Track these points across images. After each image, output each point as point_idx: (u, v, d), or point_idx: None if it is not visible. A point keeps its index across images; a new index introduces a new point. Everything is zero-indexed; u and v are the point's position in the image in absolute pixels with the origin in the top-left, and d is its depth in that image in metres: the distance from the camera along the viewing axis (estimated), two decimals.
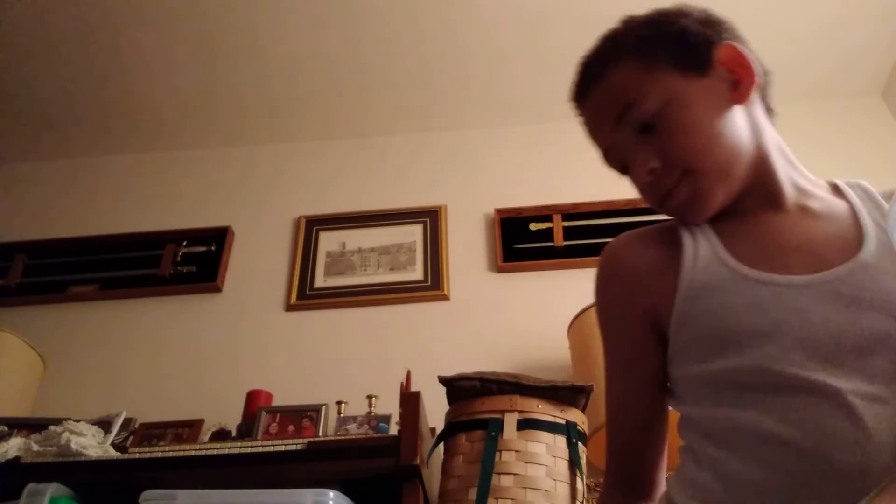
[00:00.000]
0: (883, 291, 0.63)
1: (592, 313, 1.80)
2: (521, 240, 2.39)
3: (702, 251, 0.73)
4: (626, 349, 0.79)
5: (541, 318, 2.17)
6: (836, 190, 0.79)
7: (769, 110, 0.82)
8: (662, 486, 0.83)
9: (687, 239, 0.75)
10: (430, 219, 2.46)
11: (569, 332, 1.94)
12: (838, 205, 0.75)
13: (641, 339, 0.77)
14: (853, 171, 2.64)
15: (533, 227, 2.42)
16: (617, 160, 0.80)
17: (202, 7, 2.35)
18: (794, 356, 0.63)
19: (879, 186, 2.36)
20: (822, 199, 0.76)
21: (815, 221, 0.73)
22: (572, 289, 2.15)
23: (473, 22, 2.42)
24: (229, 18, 2.39)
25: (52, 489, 1.38)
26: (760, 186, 0.76)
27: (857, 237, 0.69)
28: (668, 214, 0.80)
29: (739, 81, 0.77)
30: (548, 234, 2.39)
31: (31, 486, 1.37)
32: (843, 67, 2.60)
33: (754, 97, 0.78)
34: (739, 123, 0.75)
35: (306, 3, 2.36)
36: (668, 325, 0.73)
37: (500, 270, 2.33)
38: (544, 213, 2.44)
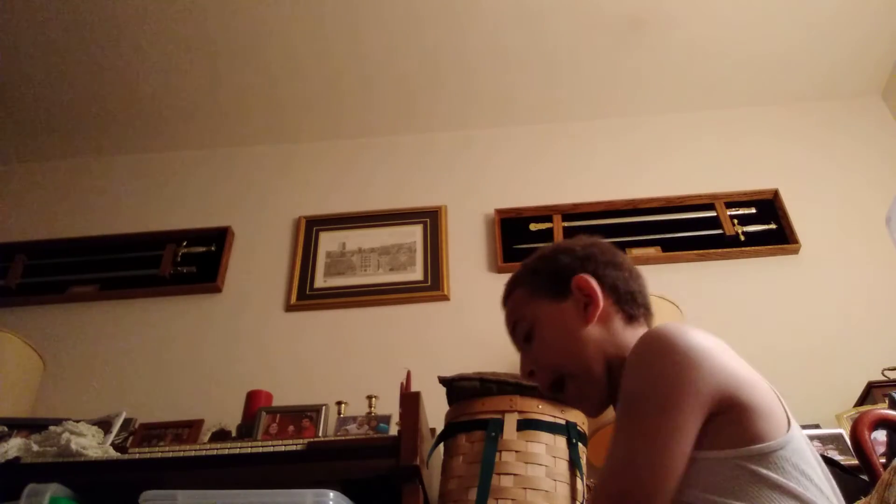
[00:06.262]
0: None
1: None
2: (521, 240, 2.39)
3: None
4: (695, 425, 0.80)
5: None
6: None
7: (633, 317, 0.97)
8: None
9: None
10: (430, 219, 2.46)
11: None
12: None
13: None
14: (853, 173, 2.65)
15: (533, 227, 2.42)
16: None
17: (203, 8, 2.35)
18: None
19: (878, 188, 2.35)
20: None
21: None
22: None
23: (475, 23, 2.42)
24: (230, 20, 2.39)
25: (52, 489, 1.37)
26: (614, 391, 0.92)
27: None
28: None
29: (588, 304, 0.95)
30: (548, 235, 2.39)
31: (31, 487, 1.37)
32: (842, 68, 2.60)
33: (611, 313, 0.95)
34: (594, 335, 0.94)
35: (309, 4, 2.36)
36: None
37: (501, 271, 2.33)
38: (544, 214, 2.44)
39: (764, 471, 0.76)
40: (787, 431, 0.79)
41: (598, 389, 0.93)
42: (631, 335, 0.93)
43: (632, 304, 0.98)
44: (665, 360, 0.79)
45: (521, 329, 1.00)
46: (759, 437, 0.78)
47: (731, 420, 0.78)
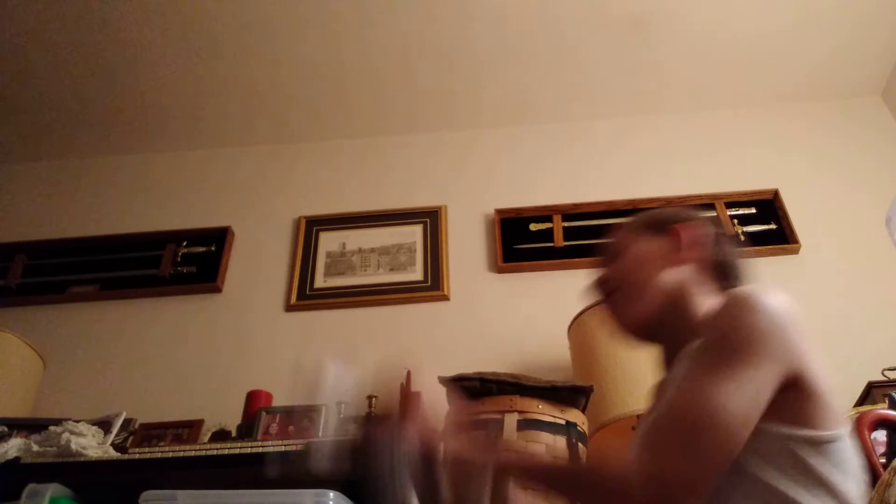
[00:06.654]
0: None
1: (593, 314, 1.79)
2: (521, 240, 2.39)
3: None
4: (772, 386, 0.80)
5: (541, 318, 2.17)
6: None
7: (715, 287, 1.01)
8: None
9: None
10: (430, 219, 2.46)
11: (569, 332, 1.94)
12: None
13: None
14: (853, 172, 2.64)
15: (533, 227, 2.42)
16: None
17: (206, 9, 2.35)
18: None
19: (878, 188, 2.34)
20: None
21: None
22: (572, 289, 2.14)
23: (478, 24, 2.42)
24: (233, 21, 2.39)
25: (52, 489, 1.38)
26: (662, 338, 1.01)
27: None
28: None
29: (678, 249, 1.01)
30: (548, 235, 2.39)
31: (31, 487, 1.37)
32: (842, 68, 2.60)
33: (696, 271, 1.01)
34: (669, 276, 1.00)
35: (316, 5, 2.36)
36: None
37: (500, 271, 2.33)
38: (544, 214, 2.44)
39: (812, 459, 0.77)
40: (840, 428, 0.80)
41: (640, 312, 0.99)
42: (703, 299, 0.98)
43: (719, 274, 1.02)
44: (759, 317, 0.80)
45: (612, 250, 1.07)
46: (815, 423, 0.79)
47: (794, 398, 0.79)
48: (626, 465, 0.77)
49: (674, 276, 0.99)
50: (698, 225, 1.03)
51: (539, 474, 0.90)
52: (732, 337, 0.79)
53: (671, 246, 1.01)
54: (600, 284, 1.06)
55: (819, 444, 0.78)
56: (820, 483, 0.77)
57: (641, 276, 1.00)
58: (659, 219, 1.07)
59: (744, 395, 0.76)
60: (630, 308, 1.00)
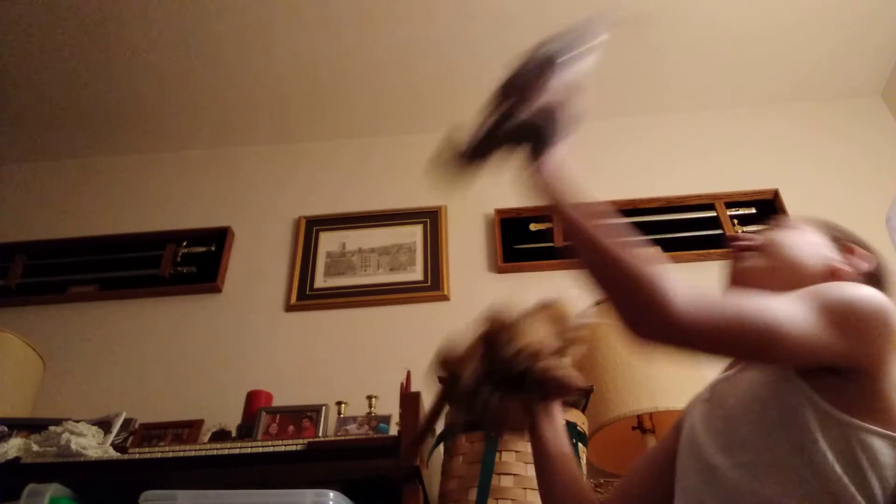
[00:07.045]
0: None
1: (594, 312, 1.79)
2: (521, 240, 2.39)
3: None
4: (832, 348, 0.81)
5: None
6: None
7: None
8: None
9: None
10: (430, 219, 2.46)
11: None
12: None
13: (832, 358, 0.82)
14: (853, 172, 2.63)
15: (533, 227, 2.42)
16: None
17: (206, 9, 2.35)
18: None
19: (878, 189, 2.32)
20: None
21: None
22: (572, 289, 2.14)
23: (478, 23, 2.42)
24: (233, 21, 2.39)
25: (52, 489, 1.38)
26: None
27: None
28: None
29: (838, 261, 1.00)
30: (548, 235, 2.39)
31: (31, 487, 1.37)
32: (842, 68, 2.60)
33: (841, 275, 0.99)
34: (812, 274, 0.97)
35: (317, 5, 2.36)
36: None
37: (500, 271, 2.33)
38: (544, 214, 2.44)
39: (866, 452, 0.76)
40: None
41: (760, 278, 0.97)
42: None
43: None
44: (856, 298, 0.81)
45: (782, 222, 1.06)
46: (884, 420, 0.78)
47: (868, 393, 0.78)
48: (680, 281, 0.77)
49: (815, 278, 0.96)
50: (871, 258, 1.02)
51: (583, 234, 0.87)
52: (824, 295, 0.81)
53: (835, 255, 1.00)
54: (747, 238, 1.04)
55: (885, 440, 0.77)
56: (863, 480, 0.75)
57: (788, 254, 0.99)
58: (842, 230, 1.06)
59: (802, 326, 0.77)
60: (756, 270, 0.99)
